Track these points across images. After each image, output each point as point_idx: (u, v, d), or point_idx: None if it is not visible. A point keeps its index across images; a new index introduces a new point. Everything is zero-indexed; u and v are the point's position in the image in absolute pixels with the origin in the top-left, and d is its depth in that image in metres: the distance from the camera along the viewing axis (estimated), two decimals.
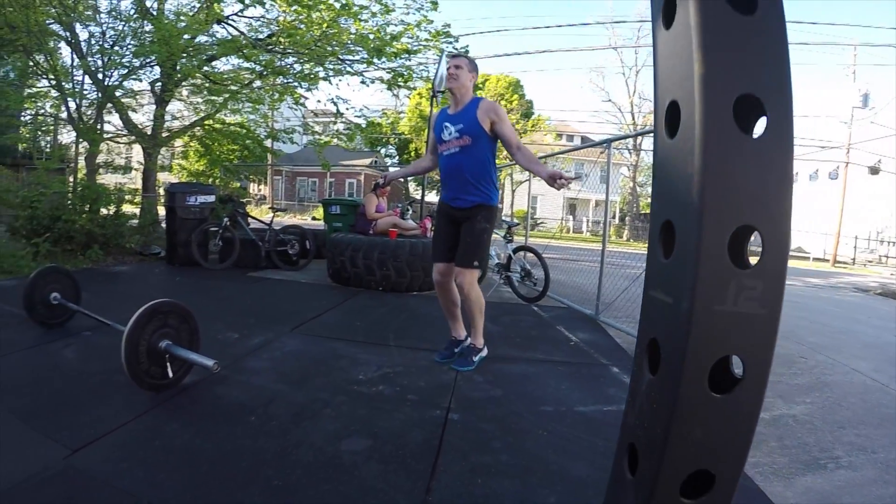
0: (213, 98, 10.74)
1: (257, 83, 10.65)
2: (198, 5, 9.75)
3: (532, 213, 15.82)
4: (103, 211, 8.16)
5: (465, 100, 3.56)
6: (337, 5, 9.45)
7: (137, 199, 10.30)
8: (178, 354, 2.89)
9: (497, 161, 3.68)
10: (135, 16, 9.15)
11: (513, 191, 34.62)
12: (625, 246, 20.77)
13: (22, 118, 11.31)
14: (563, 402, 3.16)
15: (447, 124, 3.57)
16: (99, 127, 9.79)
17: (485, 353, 3.82)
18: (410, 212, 8.78)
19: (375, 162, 39.13)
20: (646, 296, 0.42)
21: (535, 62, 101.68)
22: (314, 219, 27.55)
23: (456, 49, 10.36)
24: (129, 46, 9.25)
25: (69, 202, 7.86)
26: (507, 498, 2.09)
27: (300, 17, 9.66)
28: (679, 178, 0.38)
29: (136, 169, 12.47)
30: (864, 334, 6.60)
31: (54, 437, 2.37)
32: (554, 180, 3.03)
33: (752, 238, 0.48)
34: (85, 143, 9.76)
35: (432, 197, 16.72)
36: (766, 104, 0.36)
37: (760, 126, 0.37)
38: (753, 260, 0.47)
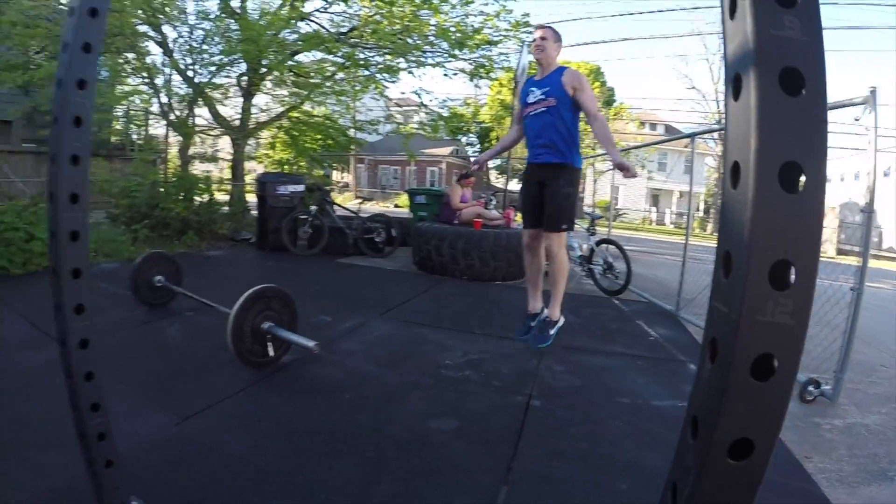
0: (297, 90, 11.11)
1: (340, 75, 10.90)
2: (279, 1, 10.07)
3: (614, 204, 15.53)
4: (197, 199, 8.59)
5: (550, 68, 3.79)
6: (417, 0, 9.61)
7: (226, 186, 10.87)
8: (281, 335, 3.13)
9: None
10: (222, 15, 9.55)
11: (594, 180, 33.85)
12: (708, 240, 20.02)
13: (115, 113, 12.16)
14: (640, 396, 3.24)
15: (533, 88, 3.82)
16: (190, 121, 10.36)
17: (562, 322, 3.94)
18: (494, 202, 8.88)
19: (457, 151, 39.26)
20: (710, 305, 0.55)
21: (617, 50, 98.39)
22: (396, 206, 28.09)
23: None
24: (217, 45, 9.66)
25: (163, 190, 8.27)
26: (583, 481, 2.23)
27: (381, 12, 9.83)
28: (736, 220, 0.51)
29: (223, 159, 13.13)
30: None
31: (165, 407, 2.62)
32: (621, 169, 3.39)
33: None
34: (175, 135, 10.33)
35: (514, 185, 16.71)
36: (805, 168, 0.48)
37: (801, 183, 0.49)
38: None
